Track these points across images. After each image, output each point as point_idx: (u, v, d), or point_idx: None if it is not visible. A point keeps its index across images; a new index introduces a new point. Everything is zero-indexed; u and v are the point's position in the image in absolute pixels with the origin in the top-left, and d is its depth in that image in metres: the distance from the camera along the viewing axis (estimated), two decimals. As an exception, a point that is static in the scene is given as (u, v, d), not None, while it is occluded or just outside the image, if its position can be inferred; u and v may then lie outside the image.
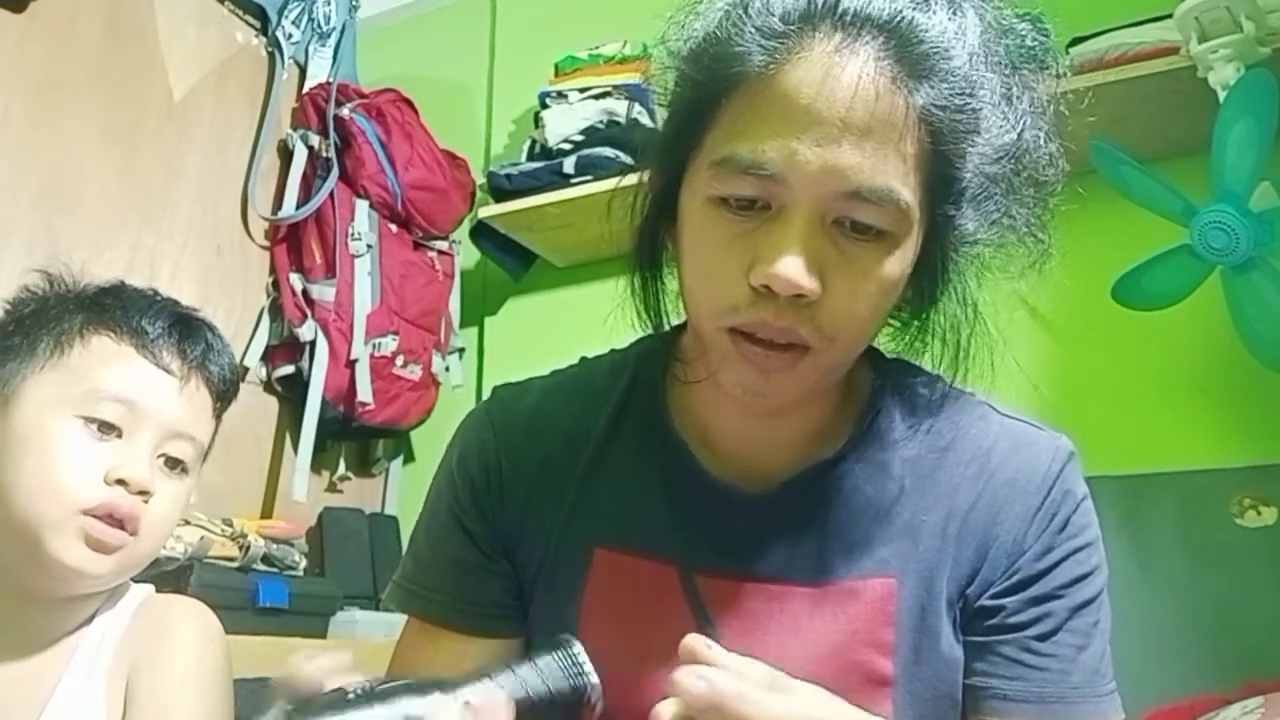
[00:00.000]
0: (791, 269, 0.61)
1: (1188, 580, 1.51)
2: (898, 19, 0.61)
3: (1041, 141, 0.69)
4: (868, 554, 0.71)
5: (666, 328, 0.78)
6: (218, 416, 0.92)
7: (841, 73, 0.60)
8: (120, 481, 0.81)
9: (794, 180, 0.61)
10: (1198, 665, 1.45)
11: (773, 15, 0.62)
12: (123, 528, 0.81)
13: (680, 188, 0.69)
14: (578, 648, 0.60)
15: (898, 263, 0.64)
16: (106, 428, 0.82)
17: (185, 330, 0.89)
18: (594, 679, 0.59)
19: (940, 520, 0.72)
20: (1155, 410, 1.62)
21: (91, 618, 0.87)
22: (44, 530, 0.79)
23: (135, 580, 0.91)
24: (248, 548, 1.71)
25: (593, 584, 0.75)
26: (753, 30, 0.62)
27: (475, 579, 0.79)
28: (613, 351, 0.84)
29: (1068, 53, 1.59)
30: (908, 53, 0.61)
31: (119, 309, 0.86)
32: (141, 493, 0.82)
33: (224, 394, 0.92)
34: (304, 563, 1.86)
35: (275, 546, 1.79)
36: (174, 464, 0.86)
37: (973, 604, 0.71)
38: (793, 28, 0.61)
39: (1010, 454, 0.73)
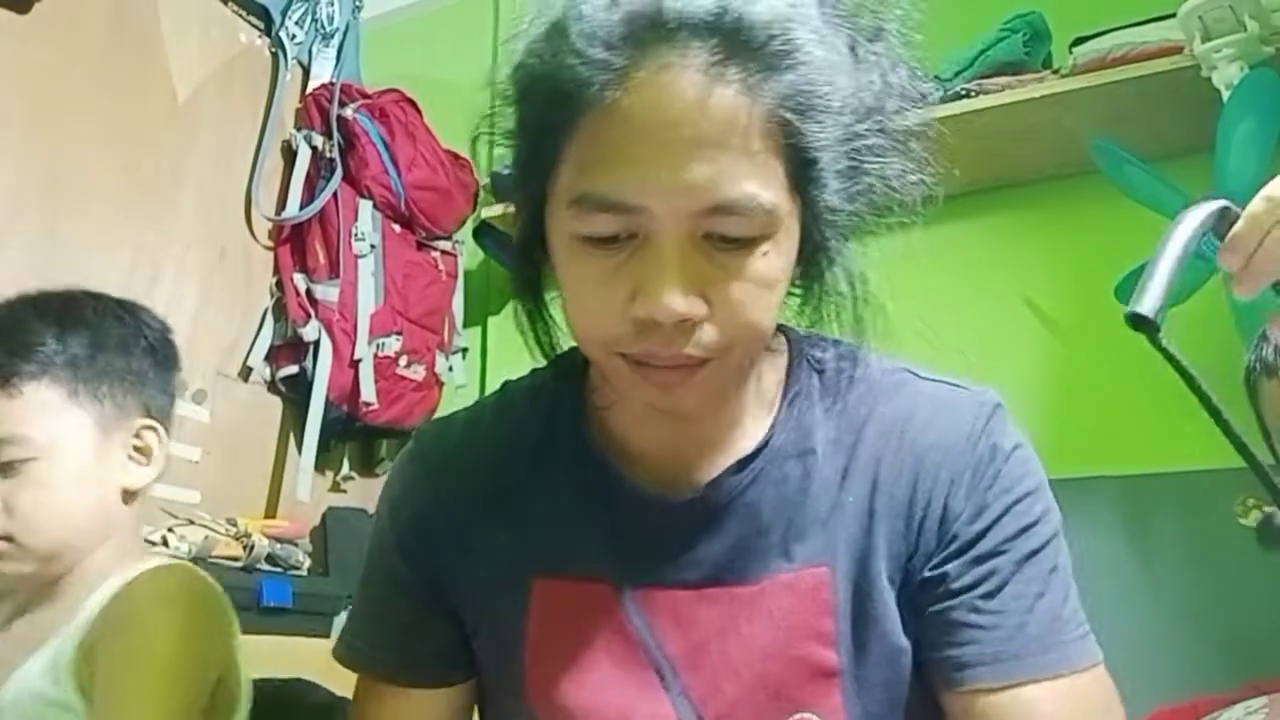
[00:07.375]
0: (672, 299, 0.59)
1: (1191, 580, 1.51)
2: (722, 16, 0.57)
3: (901, 81, 0.65)
4: (797, 545, 0.69)
5: (558, 353, 0.76)
6: (81, 393, 0.94)
7: (676, 87, 0.57)
8: None
9: (655, 208, 0.59)
10: (1201, 665, 1.45)
11: (598, 40, 0.58)
12: None
13: (545, 219, 0.66)
14: None
15: (776, 258, 0.62)
16: None
17: None
18: None
19: (865, 498, 0.69)
20: (1157, 410, 1.61)
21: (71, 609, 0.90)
22: None
23: None
24: (251, 548, 1.72)
25: (535, 616, 0.73)
26: (583, 58, 0.59)
27: (414, 635, 0.78)
28: (532, 373, 0.81)
29: (1071, 52, 1.59)
30: (739, 50, 0.57)
31: None
32: None
33: (35, 375, 0.93)
34: (308, 563, 1.87)
35: (279, 546, 1.79)
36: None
37: (916, 578, 0.69)
38: (621, 50, 0.58)
39: (931, 419, 0.71)
